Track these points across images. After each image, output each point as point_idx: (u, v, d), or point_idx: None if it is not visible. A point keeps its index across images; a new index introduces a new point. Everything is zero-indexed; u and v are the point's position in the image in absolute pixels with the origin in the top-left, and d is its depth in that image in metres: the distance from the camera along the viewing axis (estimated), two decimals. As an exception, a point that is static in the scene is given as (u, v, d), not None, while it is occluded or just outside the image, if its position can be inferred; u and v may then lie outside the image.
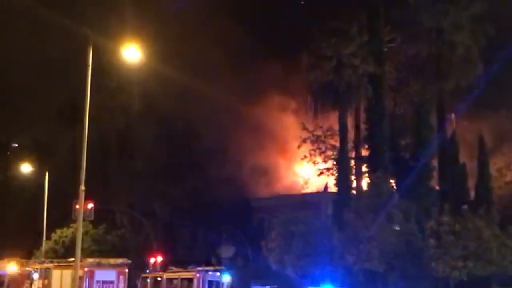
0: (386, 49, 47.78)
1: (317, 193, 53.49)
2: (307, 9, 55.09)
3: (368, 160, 46.58)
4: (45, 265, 41.95)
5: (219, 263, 43.06)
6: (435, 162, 44.32)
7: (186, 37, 54.12)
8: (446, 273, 35.16)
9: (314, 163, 56.07)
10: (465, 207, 36.02)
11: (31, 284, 41.97)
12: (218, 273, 37.69)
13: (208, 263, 42.81)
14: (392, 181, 43.57)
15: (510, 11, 44.89)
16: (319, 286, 35.18)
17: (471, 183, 44.02)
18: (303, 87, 49.54)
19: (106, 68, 48.82)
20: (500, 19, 43.97)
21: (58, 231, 53.89)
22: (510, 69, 46.69)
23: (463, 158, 45.55)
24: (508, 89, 49.53)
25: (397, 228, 36.59)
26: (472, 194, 43.14)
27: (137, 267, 43.55)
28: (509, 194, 47.77)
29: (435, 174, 44.22)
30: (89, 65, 31.30)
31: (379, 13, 46.98)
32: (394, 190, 40.91)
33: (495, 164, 48.51)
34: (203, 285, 36.56)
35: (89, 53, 31.35)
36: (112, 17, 50.13)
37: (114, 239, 52.51)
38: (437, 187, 44.13)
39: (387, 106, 47.50)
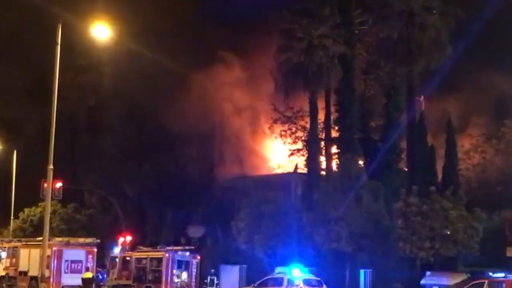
0: (357, 31, 47.95)
1: (287, 173, 53.64)
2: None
3: (338, 141, 46.83)
4: (13, 244, 41.65)
5: (189, 243, 43.07)
6: (404, 144, 44.71)
7: (156, 15, 53.67)
8: (413, 253, 35.61)
9: (284, 144, 56.25)
10: (432, 188, 36.39)
11: (-2, 263, 41.66)
12: (187, 253, 37.75)
13: (178, 243, 42.82)
14: (361, 162, 43.92)
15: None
16: (287, 265, 35.38)
17: (439, 164, 44.50)
18: (274, 68, 49.50)
19: (76, 46, 48.37)
20: (469, 1, 44.35)
21: (26, 210, 53.54)
22: (478, 50, 47.25)
23: (431, 139, 46.01)
24: (473, 71, 50.05)
25: (365, 208, 36.87)
26: (440, 176, 43.58)
27: (106, 247, 43.47)
28: (476, 176, 48.41)
29: (403, 155, 44.62)
30: (58, 44, 31.04)
31: (351, -5, 47.07)
32: (363, 171, 41.20)
33: (463, 147, 49.07)
34: (172, 264, 36.61)
35: (58, 31, 31.08)
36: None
37: (83, 219, 52.34)
38: (406, 169, 44.53)
39: (358, 88, 47.75)
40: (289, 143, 55.85)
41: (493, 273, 30.76)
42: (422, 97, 47.90)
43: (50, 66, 32.48)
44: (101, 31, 32.32)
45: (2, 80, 58.05)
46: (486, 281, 29.52)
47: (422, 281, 34.33)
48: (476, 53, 48.08)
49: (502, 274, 29.99)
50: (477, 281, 30.07)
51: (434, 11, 43.77)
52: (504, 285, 28.38)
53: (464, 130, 51.34)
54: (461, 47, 44.81)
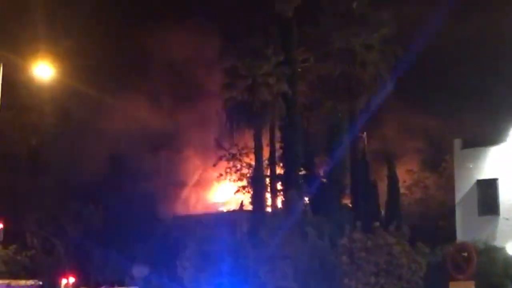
0: (299, 69, 48.57)
1: (233, 211, 53.54)
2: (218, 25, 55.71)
3: (282, 178, 47.08)
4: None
5: (133, 283, 42.43)
6: (347, 180, 45.17)
7: (99, 51, 53.55)
8: (358, 290, 35.70)
9: (230, 181, 56.23)
10: (376, 224, 36.67)
11: None
12: (131, 294, 37.22)
13: (121, 284, 42.15)
14: (306, 198, 44.19)
15: (416, 32, 46.66)
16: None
17: (383, 199, 45.07)
18: (218, 105, 49.72)
19: (18, 85, 47.82)
20: (407, 40, 45.58)
21: (-35, 252, 52.04)
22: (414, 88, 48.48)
23: (373, 172, 46.74)
24: (410, 107, 51.25)
25: (311, 245, 36.93)
26: (384, 211, 44.10)
27: (49, 289, 42.56)
28: (418, 210, 49.13)
29: (347, 191, 45.07)
30: (-1, 83, 30.72)
31: (292, 33, 47.74)
32: (308, 207, 41.40)
33: (405, 182, 49.85)
34: (116, 306, 36.04)
35: (0, 70, 30.76)
36: (24, 34, 49.14)
37: (24, 260, 51.02)
38: (350, 205, 44.94)
39: (301, 125, 48.23)
40: (234, 180, 55.88)
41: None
42: (365, 133, 48.67)
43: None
44: (43, 70, 32.17)
45: None
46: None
47: (368, 317, 34.41)
48: (413, 87, 49.40)
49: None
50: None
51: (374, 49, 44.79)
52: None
53: (402, 158, 52.17)
54: (398, 82, 46.00)
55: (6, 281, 38.28)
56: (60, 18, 51.60)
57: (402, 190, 47.47)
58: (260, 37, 47.62)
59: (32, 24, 49.28)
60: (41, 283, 37.68)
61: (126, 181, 54.65)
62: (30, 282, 38.04)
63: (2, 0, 48.43)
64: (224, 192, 58.56)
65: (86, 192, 53.29)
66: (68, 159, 54.70)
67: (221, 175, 56.68)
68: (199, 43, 57.75)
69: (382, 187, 46.14)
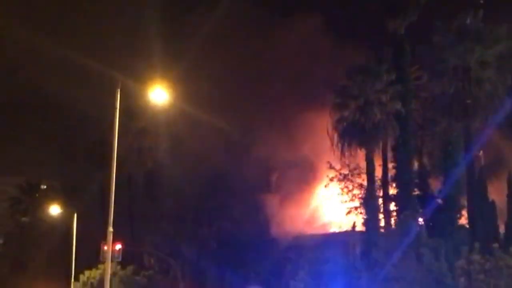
0: (412, 87, 47.78)
1: (345, 232, 53.03)
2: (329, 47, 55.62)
3: (396, 198, 46.30)
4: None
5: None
6: (464, 200, 43.91)
7: (214, 77, 54.61)
8: (477, 313, 34.64)
9: (342, 202, 55.77)
10: (495, 245, 35.55)
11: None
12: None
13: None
14: (420, 219, 43.21)
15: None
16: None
17: (502, 220, 43.52)
18: (329, 126, 49.51)
19: (134, 109, 49.34)
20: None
21: (87, 273, 53.97)
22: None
23: (492, 194, 45.09)
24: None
25: (426, 267, 36.13)
26: (503, 231, 42.58)
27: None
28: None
29: (464, 212, 43.81)
30: (117, 108, 31.60)
31: (405, 50, 47.10)
32: (423, 228, 40.52)
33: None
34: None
35: (117, 95, 31.71)
36: (140, 60, 50.84)
37: (142, 280, 52.44)
38: (467, 225, 43.65)
39: (414, 144, 47.33)
40: (346, 201, 55.38)
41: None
42: (481, 152, 47.19)
43: (108, 129, 33.03)
44: (159, 95, 32.86)
45: (63, 143, 59.41)
46: None
47: None
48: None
49: None
50: None
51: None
52: None
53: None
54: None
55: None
56: (175, 45, 53.09)
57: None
58: (372, 55, 47.28)
59: (149, 50, 50.95)
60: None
61: (238, 202, 55.26)
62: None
63: (119, 29, 50.32)
64: (336, 213, 58.14)
65: (200, 213, 54.27)
66: (182, 182, 55.90)
67: (332, 196, 56.30)
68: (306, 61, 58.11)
69: (500, 206, 44.53)
